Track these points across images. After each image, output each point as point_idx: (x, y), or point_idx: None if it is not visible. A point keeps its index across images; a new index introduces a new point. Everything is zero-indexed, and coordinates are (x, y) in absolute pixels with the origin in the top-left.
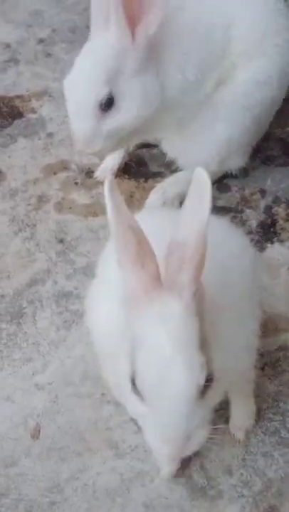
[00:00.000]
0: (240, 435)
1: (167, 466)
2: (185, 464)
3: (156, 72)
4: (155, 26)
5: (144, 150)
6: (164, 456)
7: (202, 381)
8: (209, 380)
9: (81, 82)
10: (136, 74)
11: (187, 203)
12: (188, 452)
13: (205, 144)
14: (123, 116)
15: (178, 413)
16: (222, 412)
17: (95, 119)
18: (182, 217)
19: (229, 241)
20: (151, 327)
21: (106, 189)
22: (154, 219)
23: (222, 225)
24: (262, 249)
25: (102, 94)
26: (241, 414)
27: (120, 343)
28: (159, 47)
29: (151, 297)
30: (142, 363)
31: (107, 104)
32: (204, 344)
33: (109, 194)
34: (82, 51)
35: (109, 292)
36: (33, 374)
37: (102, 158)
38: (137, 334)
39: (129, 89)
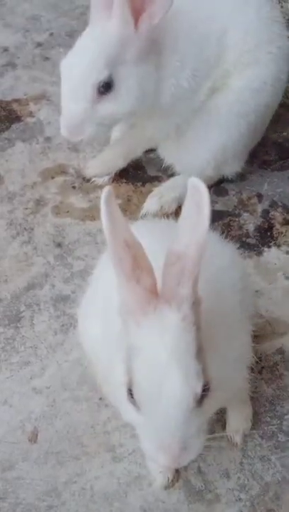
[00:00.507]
0: (237, 439)
1: (162, 476)
2: (179, 474)
3: (154, 68)
4: (159, 16)
5: (142, 154)
6: (160, 465)
7: (199, 390)
8: (206, 390)
9: (81, 62)
10: (136, 63)
11: (185, 214)
12: (184, 462)
13: (200, 150)
14: (119, 102)
15: (174, 422)
16: (219, 417)
17: (90, 102)
18: (180, 229)
19: (220, 254)
20: (148, 338)
21: (102, 201)
22: (149, 230)
23: (213, 238)
24: (259, 253)
25: (101, 76)
26: (238, 418)
27: (115, 353)
28: (158, 47)
29: (147, 310)
30: (138, 372)
31: (105, 87)
32: (201, 353)
33: (105, 207)
34: (82, 36)
35: (101, 303)
36: (31, 378)
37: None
38: (134, 345)
39: (128, 77)
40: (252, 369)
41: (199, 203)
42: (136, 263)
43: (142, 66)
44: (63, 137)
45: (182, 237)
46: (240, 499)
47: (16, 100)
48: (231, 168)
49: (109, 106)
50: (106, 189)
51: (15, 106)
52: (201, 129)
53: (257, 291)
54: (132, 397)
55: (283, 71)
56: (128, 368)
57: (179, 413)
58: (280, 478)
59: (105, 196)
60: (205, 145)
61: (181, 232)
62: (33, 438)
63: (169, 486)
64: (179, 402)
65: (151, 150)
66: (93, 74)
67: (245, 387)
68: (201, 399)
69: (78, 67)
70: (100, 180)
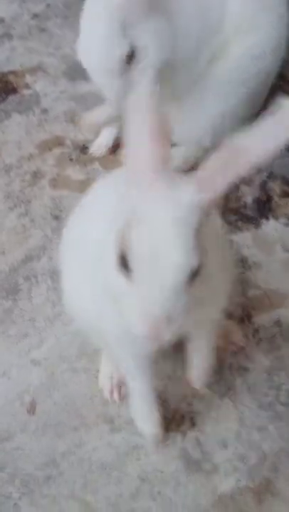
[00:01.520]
0: (198, 384)
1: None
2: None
3: (165, 20)
4: None
5: None
6: (142, 336)
7: (195, 264)
8: (198, 271)
9: (99, 42)
10: (148, 18)
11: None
12: (165, 335)
13: (198, 119)
14: (146, 62)
15: (167, 290)
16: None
17: (122, 77)
18: (254, 135)
19: None
20: (153, 205)
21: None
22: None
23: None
24: (257, 225)
25: (124, 47)
26: (199, 362)
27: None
28: (162, 7)
29: (157, 177)
30: (138, 238)
31: (130, 56)
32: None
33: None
34: (87, 13)
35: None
36: (29, 350)
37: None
38: (136, 212)
39: (145, 34)
40: (247, 336)
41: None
42: (162, 126)
43: (154, 18)
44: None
45: (252, 137)
46: (238, 469)
47: (12, 72)
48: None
49: (139, 70)
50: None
51: (11, 77)
52: (199, 97)
53: (255, 263)
54: (124, 267)
55: (284, 38)
56: (125, 236)
57: (174, 282)
58: (277, 449)
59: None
60: (203, 113)
61: (253, 135)
62: (32, 409)
63: (111, 399)
64: (176, 270)
65: None
66: (117, 49)
67: (215, 326)
68: (193, 278)
69: (98, 49)
70: (97, 153)
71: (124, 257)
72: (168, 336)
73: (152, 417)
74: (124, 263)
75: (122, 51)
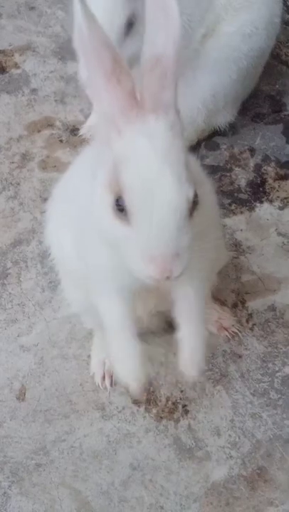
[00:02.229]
0: (192, 372)
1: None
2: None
3: None
4: None
5: None
6: (151, 279)
7: (191, 194)
8: (195, 201)
9: (101, 9)
10: None
11: (149, 20)
12: (177, 272)
13: (191, 98)
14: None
15: (168, 228)
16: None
17: (120, 45)
18: (150, 34)
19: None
20: (137, 145)
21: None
22: None
23: None
24: (251, 209)
25: (123, 16)
26: (190, 349)
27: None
28: None
29: (130, 116)
30: (130, 178)
31: (128, 26)
32: (188, 165)
33: (82, 4)
34: None
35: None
36: (18, 335)
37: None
38: (120, 155)
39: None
40: (240, 322)
41: (164, 6)
42: (116, 63)
43: None
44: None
45: (155, 39)
46: (231, 457)
47: (1, 51)
48: (223, 118)
49: (136, 39)
50: None
51: (0, 57)
52: (192, 76)
53: (249, 247)
54: (121, 211)
55: (276, 15)
56: (115, 182)
57: (174, 218)
58: (271, 436)
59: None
60: (196, 92)
61: (150, 36)
62: (21, 396)
63: (102, 385)
64: (174, 206)
65: None
66: (116, 21)
67: (203, 298)
68: (192, 209)
69: (100, 18)
70: (87, 134)
71: (119, 202)
72: (179, 271)
73: (134, 358)
74: (119, 208)
75: (122, 20)
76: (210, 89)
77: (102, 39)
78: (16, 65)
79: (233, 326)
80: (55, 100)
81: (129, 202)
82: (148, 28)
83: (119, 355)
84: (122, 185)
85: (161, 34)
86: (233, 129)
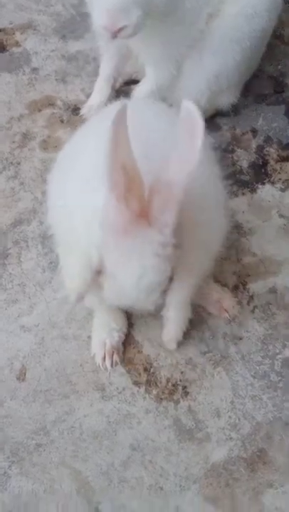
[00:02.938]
0: (171, 345)
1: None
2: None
3: None
4: None
5: (132, 86)
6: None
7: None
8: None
9: None
10: None
11: (178, 139)
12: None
13: (194, 79)
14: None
15: None
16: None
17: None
18: (170, 156)
19: None
20: (126, 258)
21: (114, 117)
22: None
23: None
24: (252, 190)
25: None
26: (174, 325)
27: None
28: None
29: (130, 231)
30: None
31: None
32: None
33: (115, 124)
34: None
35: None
36: (19, 316)
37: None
38: (110, 259)
39: None
40: (241, 304)
41: (192, 131)
42: (128, 188)
43: None
44: (100, 25)
45: (172, 164)
46: (231, 438)
47: (2, 29)
48: (226, 99)
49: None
50: (122, 105)
51: (0, 35)
52: (196, 58)
53: (250, 229)
54: None
55: None
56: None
57: None
58: (271, 418)
59: (118, 113)
60: (199, 74)
61: (170, 159)
62: (21, 376)
63: (103, 366)
64: None
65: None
66: None
67: (190, 287)
68: None
69: None
70: (89, 114)
71: None
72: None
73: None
74: None
75: None
76: (214, 70)
77: (122, 162)
78: (17, 44)
79: (233, 307)
80: (56, 79)
81: None
82: (174, 149)
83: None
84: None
85: (179, 160)
86: (235, 109)
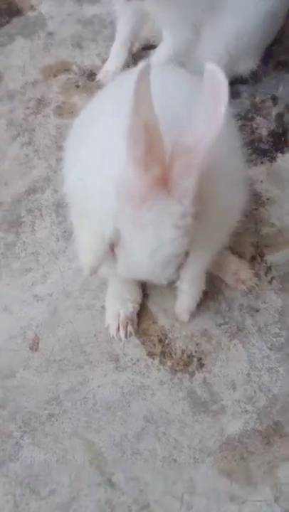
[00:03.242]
0: (184, 317)
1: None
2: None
3: None
4: None
5: (149, 52)
6: None
7: None
8: None
9: None
10: None
11: (200, 104)
12: None
13: (213, 42)
14: None
15: None
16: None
17: None
18: (193, 120)
19: None
20: (144, 227)
21: (137, 75)
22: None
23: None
24: (272, 159)
25: None
26: (188, 297)
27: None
28: None
29: (148, 198)
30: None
31: None
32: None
33: (138, 82)
34: None
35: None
36: (32, 285)
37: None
38: (126, 227)
39: None
40: (258, 275)
41: (216, 95)
42: (149, 149)
43: None
44: None
45: (194, 129)
46: (246, 411)
47: None
48: (246, 65)
49: None
50: (144, 63)
51: None
52: (214, 21)
53: (269, 199)
54: None
55: None
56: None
57: None
58: (287, 391)
59: (141, 70)
60: (218, 37)
61: (193, 123)
62: (34, 346)
63: (117, 336)
64: None
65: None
66: None
67: (206, 260)
68: None
69: None
70: (105, 79)
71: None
72: None
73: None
74: None
75: None
76: (233, 33)
77: (144, 121)
78: (32, 8)
79: (250, 279)
80: (72, 44)
81: None
82: (197, 113)
83: (85, 244)
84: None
85: (202, 124)
86: (255, 76)
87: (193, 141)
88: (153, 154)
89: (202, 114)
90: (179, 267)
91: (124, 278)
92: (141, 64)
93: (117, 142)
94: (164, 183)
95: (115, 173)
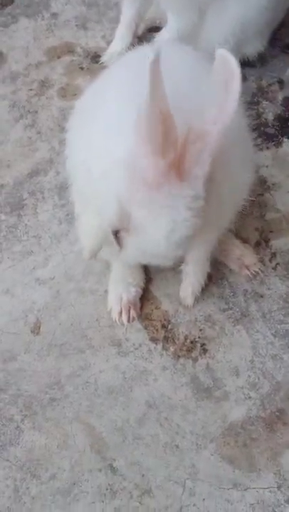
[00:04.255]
0: (188, 301)
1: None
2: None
3: None
4: None
5: (153, 34)
6: None
7: None
8: None
9: None
10: None
11: (211, 88)
12: None
13: (218, 25)
14: None
15: None
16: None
17: None
18: (205, 105)
19: None
20: (154, 214)
21: (150, 63)
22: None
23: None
24: (278, 144)
25: None
26: (193, 279)
27: None
28: None
29: (161, 184)
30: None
31: None
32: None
33: (152, 69)
34: None
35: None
36: (34, 268)
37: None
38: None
39: None
40: (263, 261)
41: (228, 79)
42: (166, 136)
43: None
44: None
45: (207, 114)
46: (249, 397)
47: None
48: (252, 48)
49: None
50: (155, 48)
51: None
52: (219, 3)
53: (274, 184)
54: None
55: None
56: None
57: None
58: None
59: (154, 57)
60: (223, 20)
61: (205, 107)
62: (36, 330)
63: (119, 321)
64: None
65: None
66: None
67: (211, 241)
68: None
69: None
70: (109, 61)
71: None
72: None
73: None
74: None
75: None
76: (239, 16)
77: (160, 109)
78: None
79: (254, 264)
80: (76, 25)
81: None
82: (208, 98)
83: (86, 226)
84: None
85: (214, 110)
86: (261, 60)
87: (206, 127)
88: (169, 140)
89: (214, 100)
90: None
91: (127, 263)
92: (151, 51)
93: (121, 123)
94: (176, 167)
95: (120, 155)
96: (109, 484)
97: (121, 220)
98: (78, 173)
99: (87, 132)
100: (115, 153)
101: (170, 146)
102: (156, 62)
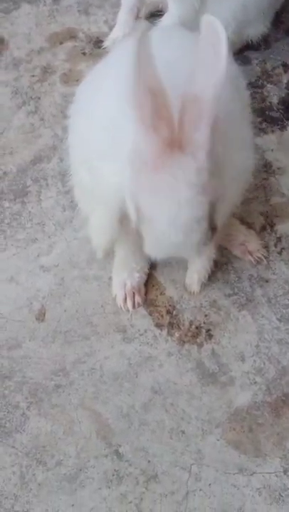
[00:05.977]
0: (195, 287)
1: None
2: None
3: None
4: None
5: (156, 18)
6: None
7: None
8: None
9: None
10: None
11: (199, 55)
12: None
13: (219, 7)
14: None
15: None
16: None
17: None
18: (195, 71)
19: None
20: (162, 189)
21: (136, 38)
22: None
23: None
24: (282, 127)
25: None
26: (199, 266)
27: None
28: None
29: (162, 160)
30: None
31: None
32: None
33: (138, 44)
34: None
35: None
36: (38, 255)
37: None
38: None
39: None
40: (268, 246)
41: (215, 43)
42: (156, 112)
43: None
44: None
45: (197, 79)
46: (255, 382)
47: None
48: (255, 31)
49: None
50: (142, 24)
51: None
52: None
53: (279, 168)
54: None
55: None
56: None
57: None
58: None
59: (141, 32)
60: (223, 3)
61: (195, 74)
62: (41, 317)
63: (124, 307)
64: None
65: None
66: None
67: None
68: None
69: None
70: (112, 46)
71: None
72: None
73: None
74: None
75: None
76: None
77: (148, 85)
78: None
79: (258, 250)
80: (79, 10)
81: None
82: (195, 64)
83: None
84: None
85: (203, 73)
86: (266, 43)
87: (199, 91)
88: (161, 117)
89: (204, 63)
90: (207, 235)
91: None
92: (139, 27)
93: (124, 110)
94: (175, 144)
95: (125, 140)
96: (115, 470)
97: (135, 212)
98: (80, 172)
99: (89, 121)
100: (119, 138)
101: (163, 121)
102: (143, 36)
